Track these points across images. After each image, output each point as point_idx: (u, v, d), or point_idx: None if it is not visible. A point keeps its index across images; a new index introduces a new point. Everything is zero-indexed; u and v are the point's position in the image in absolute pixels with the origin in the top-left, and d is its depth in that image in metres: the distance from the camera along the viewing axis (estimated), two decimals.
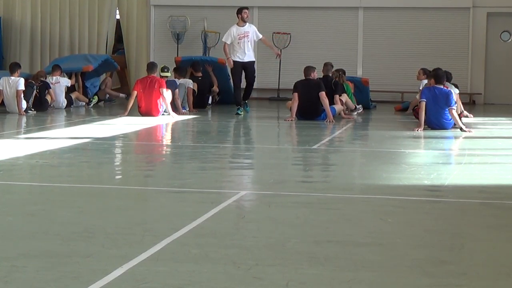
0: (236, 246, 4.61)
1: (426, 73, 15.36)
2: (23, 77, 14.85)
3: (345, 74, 15.44)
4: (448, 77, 14.10)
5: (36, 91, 14.87)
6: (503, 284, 3.90)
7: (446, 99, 11.78)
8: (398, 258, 4.33)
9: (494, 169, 8.12)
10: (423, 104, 11.85)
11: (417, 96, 14.04)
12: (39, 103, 14.90)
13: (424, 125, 11.90)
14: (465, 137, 11.18)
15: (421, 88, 14.77)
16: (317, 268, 4.08)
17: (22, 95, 14.32)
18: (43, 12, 21.45)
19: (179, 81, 15.27)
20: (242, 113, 14.43)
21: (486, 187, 6.84)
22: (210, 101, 16.70)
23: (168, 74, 14.86)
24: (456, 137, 11.27)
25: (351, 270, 4.04)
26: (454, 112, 11.80)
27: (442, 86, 11.97)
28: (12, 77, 14.41)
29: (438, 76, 12.06)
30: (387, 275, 3.98)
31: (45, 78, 15.43)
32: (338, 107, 14.03)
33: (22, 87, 14.27)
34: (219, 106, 16.81)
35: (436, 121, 11.87)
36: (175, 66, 16.74)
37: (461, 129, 11.63)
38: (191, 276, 3.91)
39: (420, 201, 6.19)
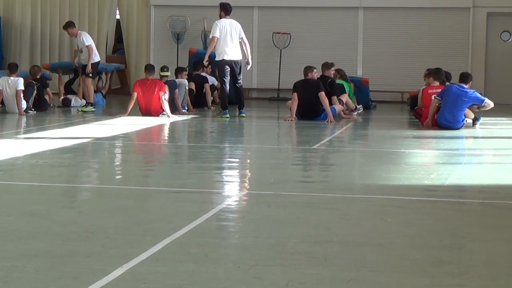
0: (236, 246, 4.61)
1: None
2: (24, 77, 14.87)
3: (342, 74, 15.38)
4: (447, 77, 14.13)
5: (35, 91, 14.87)
6: (503, 284, 3.90)
7: (476, 100, 11.94)
8: (398, 258, 4.33)
9: (494, 169, 8.12)
10: (436, 101, 11.97)
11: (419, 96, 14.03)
12: (39, 103, 14.90)
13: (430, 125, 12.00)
14: (466, 137, 11.20)
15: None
16: (317, 268, 4.08)
17: (22, 95, 14.32)
18: (43, 12, 21.47)
19: (177, 80, 15.26)
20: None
21: (486, 187, 6.84)
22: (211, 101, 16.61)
23: (168, 73, 14.83)
24: (455, 137, 11.27)
25: (351, 270, 4.04)
26: (488, 102, 11.94)
27: (466, 86, 12.07)
28: (12, 77, 14.41)
29: (466, 76, 12.21)
30: (387, 275, 3.98)
31: (40, 76, 15.40)
32: (338, 107, 14.03)
33: (21, 87, 14.26)
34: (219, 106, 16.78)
35: (450, 119, 11.89)
36: (176, 66, 16.74)
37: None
38: (191, 276, 3.91)
39: (420, 201, 6.19)
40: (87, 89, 15.36)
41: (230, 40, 13.77)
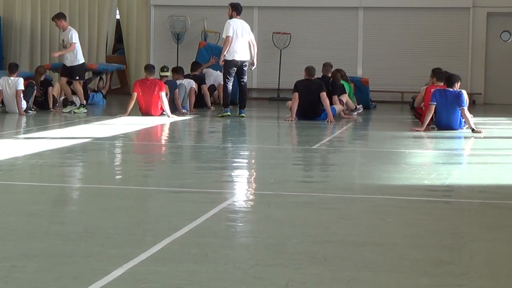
0: (236, 246, 4.61)
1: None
2: (25, 77, 14.86)
3: (342, 74, 15.37)
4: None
5: (37, 91, 14.86)
6: (503, 284, 3.90)
7: (458, 100, 11.81)
8: (398, 258, 4.33)
9: (494, 169, 8.12)
10: (433, 108, 11.87)
11: (420, 95, 14.02)
12: (39, 103, 14.89)
13: (431, 126, 11.93)
14: (466, 137, 11.21)
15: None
16: (317, 268, 4.08)
17: (22, 95, 14.32)
18: (43, 12, 21.46)
19: (182, 81, 15.26)
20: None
21: (486, 187, 6.85)
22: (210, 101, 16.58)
23: (168, 73, 14.85)
24: (455, 137, 11.28)
25: (351, 270, 4.05)
26: (466, 112, 11.80)
27: (453, 89, 11.97)
28: (12, 77, 14.42)
29: (451, 79, 12.09)
30: (387, 275, 3.98)
31: (45, 75, 15.38)
32: (338, 107, 14.03)
33: (21, 87, 14.26)
34: (220, 106, 16.77)
35: (448, 122, 11.87)
36: (176, 66, 16.74)
37: (472, 130, 11.60)
38: (191, 276, 3.91)
39: (420, 201, 6.19)
40: (64, 89, 15.18)
41: (241, 40, 13.86)
